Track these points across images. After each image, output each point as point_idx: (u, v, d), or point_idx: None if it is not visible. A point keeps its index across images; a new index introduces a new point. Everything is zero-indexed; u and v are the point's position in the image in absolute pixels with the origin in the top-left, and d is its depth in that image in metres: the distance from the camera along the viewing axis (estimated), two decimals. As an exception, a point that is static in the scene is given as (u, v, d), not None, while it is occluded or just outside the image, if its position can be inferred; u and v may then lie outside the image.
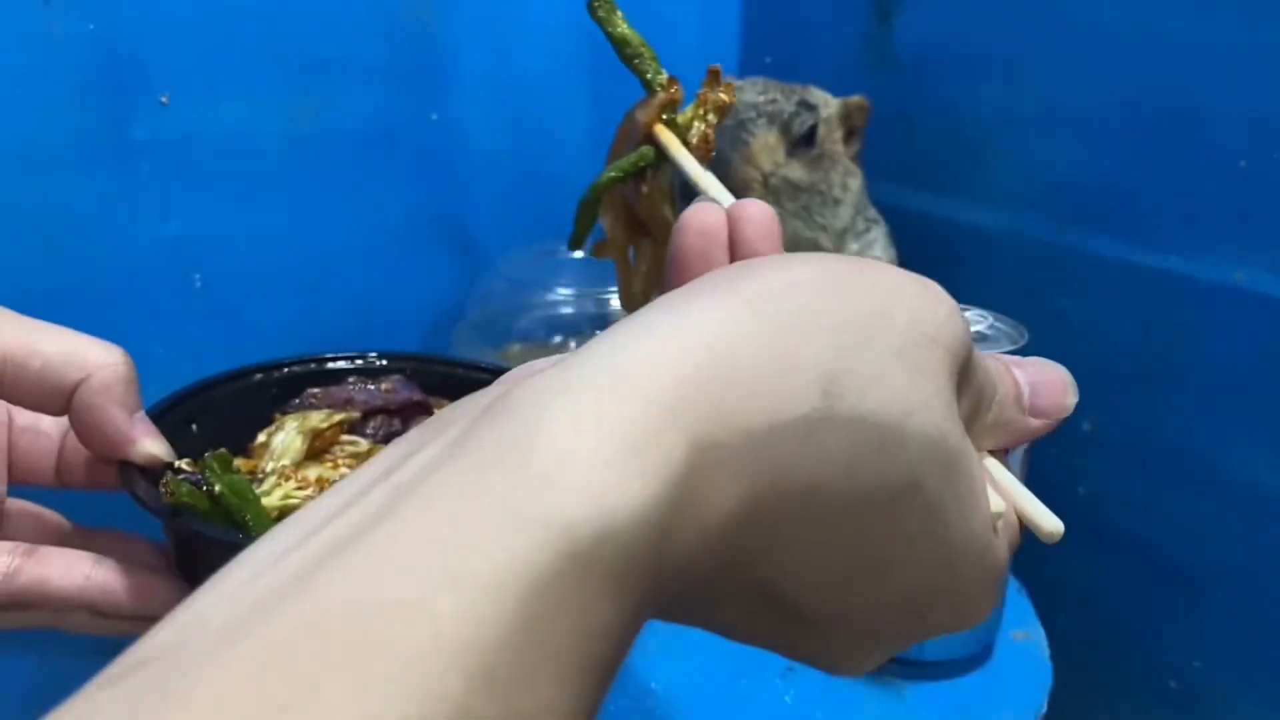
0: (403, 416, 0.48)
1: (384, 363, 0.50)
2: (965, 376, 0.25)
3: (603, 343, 0.21)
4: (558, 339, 0.66)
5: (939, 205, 0.75)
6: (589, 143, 0.79)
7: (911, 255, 0.73)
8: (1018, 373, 0.28)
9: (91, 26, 0.55)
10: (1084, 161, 0.66)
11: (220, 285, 0.63)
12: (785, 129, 0.65)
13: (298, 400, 0.47)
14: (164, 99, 0.58)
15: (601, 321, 0.66)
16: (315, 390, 0.48)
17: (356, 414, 0.47)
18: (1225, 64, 0.58)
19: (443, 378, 0.50)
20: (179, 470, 0.37)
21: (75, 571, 0.36)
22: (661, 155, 0.37)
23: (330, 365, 0.49)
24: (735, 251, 0.28)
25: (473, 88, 0.71)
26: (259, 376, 0.47)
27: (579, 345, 0.65)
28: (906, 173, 0.77)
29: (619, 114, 0.82)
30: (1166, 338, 0.63)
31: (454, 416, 0.21)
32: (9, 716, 0.63)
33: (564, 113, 0.77)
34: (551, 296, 0.65)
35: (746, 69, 0.86)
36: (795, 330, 0.21)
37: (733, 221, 0.28)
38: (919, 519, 0.22)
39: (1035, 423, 0.28)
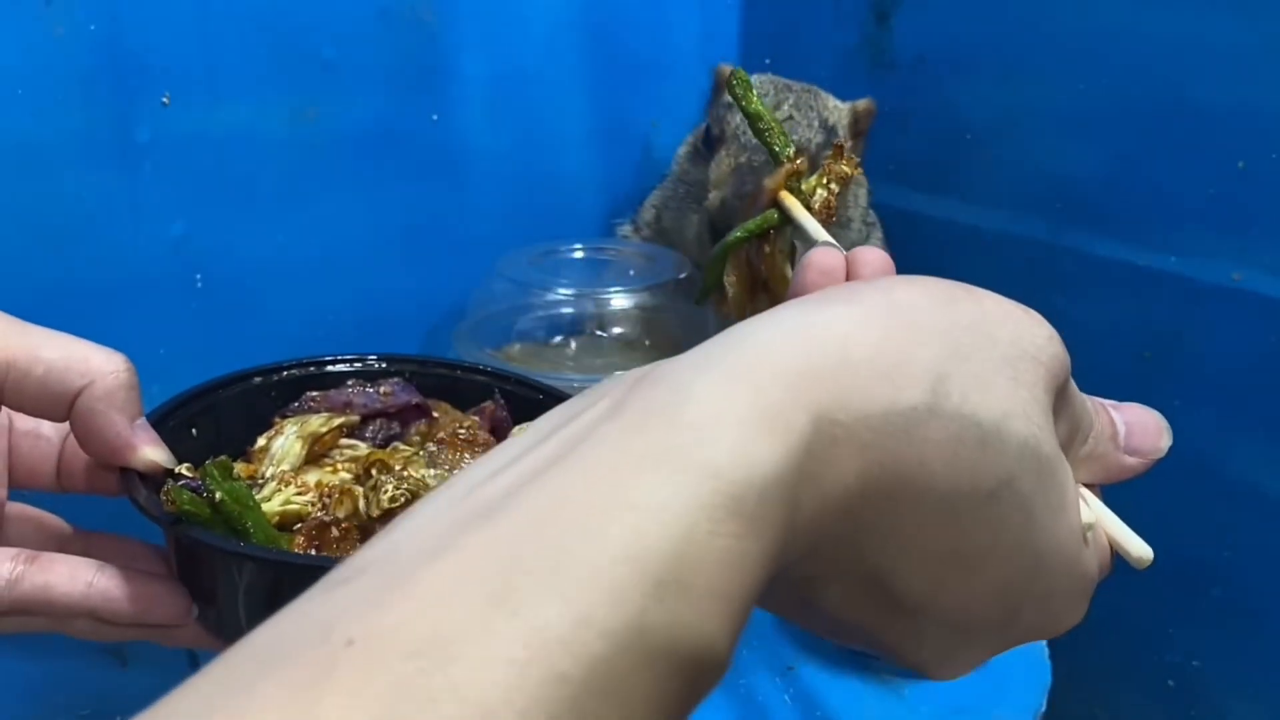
0: (402, 419, 0.48)
1: (383, 365, 0.50)
2: (1062, 399, 0.27)
3: (736, 332, 0.23)
4: (558, 339, 0.67)
5: (937, 205, 0.75)
6: (589, 143, 0.79)
7: (909, 255, 0.73)
8: (1114, 413, 0.30)
9: (93, 27, 0.55)
10: (1081, 162, 0.66)
11: (222, 285, 0.63)
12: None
13: (297, 404, 0.47)
14: (165, 99, 0.58)
15: (601, 321, 0.66)
16: (314, 394, 0.48)
17: (355, 417, 0.47)
18: (1222, 65, 0.58)
19: (441, 380, 0.50)
20: (179, 477, 0.37)
21: (78, 578, 0.36)
22: (786, 219, 0.40)
23: (329, 368, 0.49)
24: None
25: (473, 89, 0.72)
26: (258, 380, 0.47)
27: (579, 345, 0.65)
28: (904, 173, 0.77)
29: (619, 114, 0.82)
30: (1164, 338, 0.63)
31: (604, 390, 0.23)
32: (12, 716, 0.63)
33: (564, 113, 0.77)
34: (551, 296, 0.65)
35: (746, 69, 0.86)
36: (908, 333, 0.24)
37: (851, 265, 0.30)
38: (1012, 517, 0.24)
39: (1130, 460, 0.31)
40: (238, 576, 0.36)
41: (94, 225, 0.57)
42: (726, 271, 0.42)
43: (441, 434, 0.47)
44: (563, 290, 0.64)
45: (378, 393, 0.48)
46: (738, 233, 0.41)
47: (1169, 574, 0.65)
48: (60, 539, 0.41)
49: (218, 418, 0.45)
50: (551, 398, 0.50)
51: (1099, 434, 0.29)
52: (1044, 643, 0.56)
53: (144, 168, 0.58)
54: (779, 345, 0.22)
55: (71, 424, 0.36)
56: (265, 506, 0.40)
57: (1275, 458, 0.59)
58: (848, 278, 0.30)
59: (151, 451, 0.37)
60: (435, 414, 0.48)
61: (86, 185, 0.56)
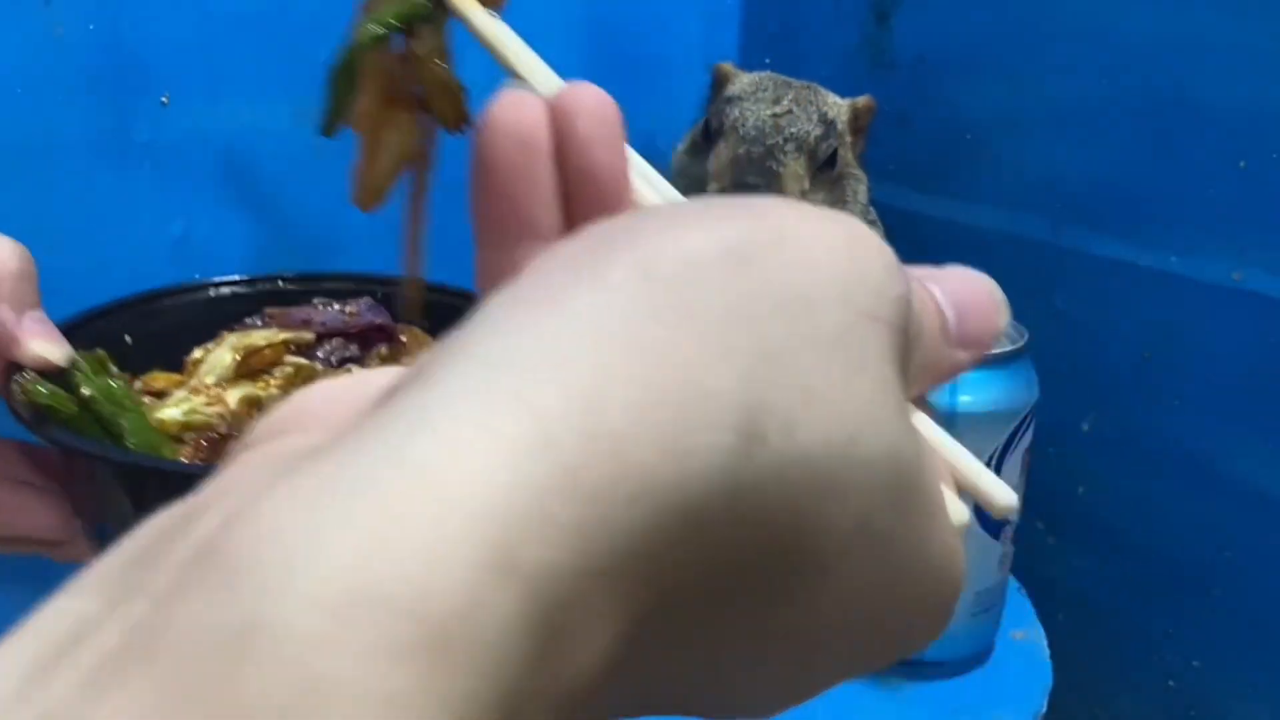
0: (361, 341, 0.44)
1: (356, 285, 0.46)
2: (899, 325, 0.18)
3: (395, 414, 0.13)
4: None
5: (937, 205, 0.75)
6: (589, 143, 0.79)
7: (909, 256, 0.73)
8: (937, 291, 0.22)
9: (92, 27, 0.55)
10: (1083, 161, 0.66)
11: (221, 285, 0.63)
12: (811, 155, 0.65)
13: (252, 318, 0.43)
14: (164, 99, 0.58)
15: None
16: (273, 310, 0.44)
17: (310, 335, 0.42)
18: (1224, 63, 0.58)
19: (429, 305, 0.45)
20: (52, 373, 0.33)
21: None
22: (440, 5, 0.29)
23: (294, 287, 0.45)
24: (566, 162, 0.22)
25: (473, 89, 0.71)
26: (213, 292, 0.43)
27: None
28: (905, 173, 0.77)
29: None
30: (1165, 338, 0.63)
31: (152, 552, 0.13)
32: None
33: (564, 113, 0.77)
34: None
35: (746, 69, 0.87)
36: (691, 345, 0.14)
37: (560, 117, 0.22)
38: (864, 565, 0.17)
39: (963, 355, 0.22)
40: (105, 483, 0.32)
41: (93, 225, 0.57)
42: (358, 85, 0.31)
43: (405, 359, 0.42)
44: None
45: (342, 311, 0.43)
46: (372, 26, 0.31)
47: (1168, 573, 0.65)
48: None
49: (158, 326, 0.41)
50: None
51: (929, 334, 0.20)
52: (1044, 643, 0.56)
53: (143, 167, 0.58)
54: (459, 458, 0.12)
55: None
56: (164, 413, 0.36)
57: (1275, 458, 0.58)
58: (557, 143, 0.22)
59: (39, 345, 0.33)
60: (404, 338, 0.44)
61: (86, 185, 0.56)
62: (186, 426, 0.36)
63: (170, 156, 0.59)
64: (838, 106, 0.69)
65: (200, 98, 0.60)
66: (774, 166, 0.63)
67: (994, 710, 0.51)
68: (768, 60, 0.74)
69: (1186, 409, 0.62)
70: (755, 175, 0.63)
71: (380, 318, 0.45)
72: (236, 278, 0.44)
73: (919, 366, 0.20)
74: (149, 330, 0.41)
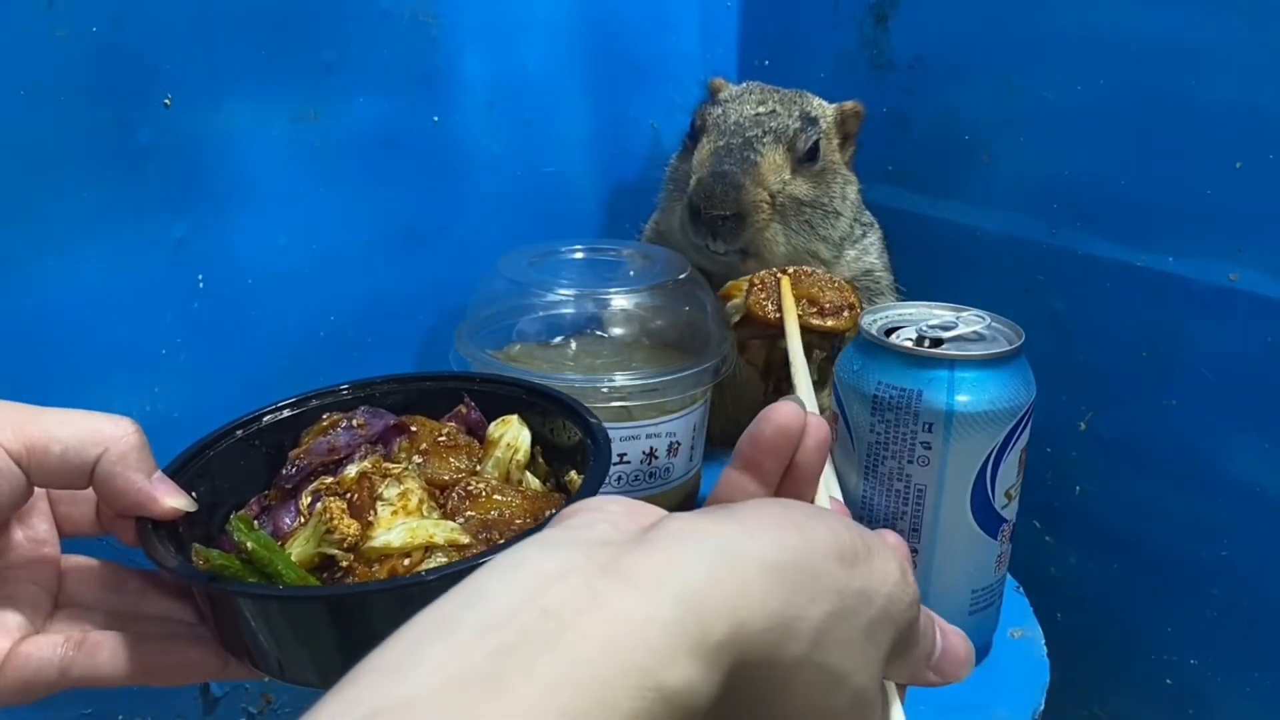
0: (384, 442, 0.49)
1: (351, 394, 0.52)
2: (902, 638, 0.31)
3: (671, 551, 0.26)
4: (558, 339, 0.67)
5: (935, 207, 0.75)
6: (589, 145, 0.79)
7: (908, 257, 0.74)
8: (939, 635, 0.34)
9: (95, 29, 0.55)
10: (1079, 163, 0.66)
11: (223, 286, 0.63)
12: (790, 145, 0.66)
13: (294, 471, 0.48)
14: (166, 101, 0.58)
15: (601, 321, 0.66)
16: (299, 451, 0.49)
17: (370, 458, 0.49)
18: (1220, 66, 0.58)
19: (410, 395, 0.52)
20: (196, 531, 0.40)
21: (121, 658, 0.41)
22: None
23: (302, 409, 0.51)
24: (794, 457, 0.35)
25: (474, 90, 0.72)
26: (240, 433, 0.49)
27: (579, 345, 0.66)
28: (903, 174, 0.77)
29: (619, 116, 0.82)
30: (1161, 338, 0.63)
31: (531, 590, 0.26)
32: (12, 715, 0.63)
33: (564, 115, 0.77)
34: (551, 296, 0.65)
35: (745, 72, 0.87)
36: (810, 590, 0.27)
37: (806, 425, 0.35)
38: None
39: (932, 677, 0.34)
40: (272, 617, 0.38)
41: (96, 226, 0.57)
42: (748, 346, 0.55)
43: (424, 444, 0.49)
44: (563, 290, 0.64)
45: (353, 426, 0.49)
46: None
47: (1165, 572, 0.65)
48: (115, 582, 0.44)
49: (212, 477, 0.47)
50: (515, 387, 0.52)
51: (920, 655, 0.33)
52: (1042, 641, 0.57)
53: (146, 169, 0.58)
54: (710, 579, 0.25)
55: (95, 489, 0.40)
56: (295, 551, 0.42)
57: (1273, 457, 0.59)
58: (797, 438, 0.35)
59: (172, 500, 0.41)
60: (413, 428, 0.49)
61: (88, 186, 0.56)
62: (320, 557, 0.42)
63: (172, 158, 0.59)
64: (822, 108, 0.70)
65: (202, 99, 0.60)
66: (752, 156, 0.64)
67: (992, 708, 0.51)
68: (766, 61, 0.75)
69: (1183, 409, 0.63)
70: (733, 163, 0.63)
71: (387, 419, 0.50)
72: (240, 419, 0.50)
73: (907, 667, 0.33)
74: (206, 481, 0.46)
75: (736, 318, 0.62)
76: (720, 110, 0.67)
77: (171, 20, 0.58)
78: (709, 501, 0.36)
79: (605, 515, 0.30)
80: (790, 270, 0.62)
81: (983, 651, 0.55)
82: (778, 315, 0.59)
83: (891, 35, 0.76)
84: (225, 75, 0.60)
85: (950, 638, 0.34)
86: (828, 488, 0.40)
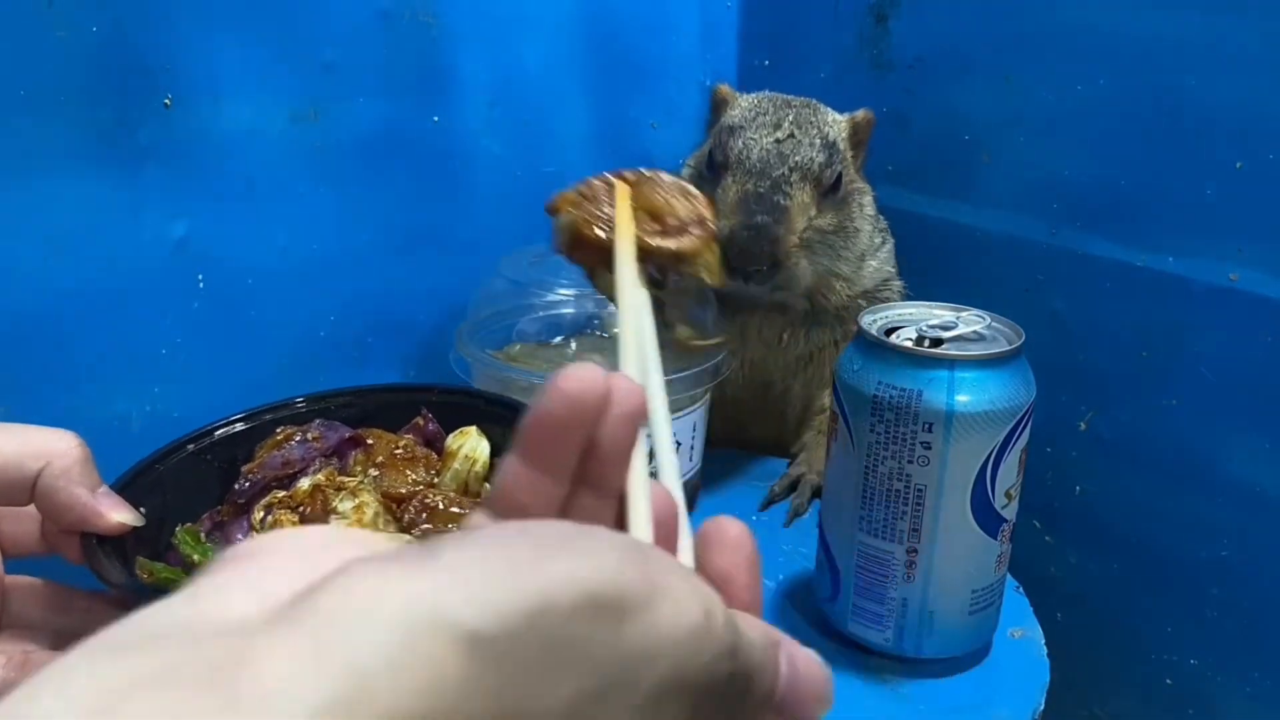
0: (339, 455, 0.49)
1: (306, 406, 0.52)
2: (717, 693, 0.22)
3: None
4: (558, 339, 0.67)
5: (936, 207, 0.75)
6: (589, 144, 0.79)
7: (909, 257, 0.74)
8: (784, 665, 0.25)
9: (95, 29, 0.55)
10: (1080, 163, 0.66)
11: (223, 286, 0.63)
12: (817, 182, 0.64)
13: (248, 485, 0.47)
14: (166, 101, 0.58)
15: (601, 321, 0.66)
16: (252, 466, 0.48)
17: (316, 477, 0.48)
18: (1220, 66, 0.58)
19: (367, 408, 0.52)
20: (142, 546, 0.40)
21: None
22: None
23: (250, 424, 0.50)
24: (596, 435, 0.27)
25: (474, 90, 0.72)
26: (191, 447, 0.48)
27: (579, 346, 0.66)
28: (903, 175, 0.77)
29: (619, 115, 0.82)
30: (1161, 338, 0.63)
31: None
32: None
33: (564, 114, 0.77)
34: (551, 296, 0.65)
35: (744, 72, 0.87)
36: (539, 670, 0.19)
37: (607, 398, 0.26)
38: None
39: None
40: None
41: (96, 227, 0.57)
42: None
43: (380, 457, 0.48)
44: (563, 290, 0.65)
45: (308, 440, 0.49)
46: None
47: (1165, 572, 0.65)
48: (61, 601, 0.43)
49: (163, 491, 0.46)
50: (474, 398, 0.51)
51: (755, 700, 0.24)
52: (1042, 641, 0.57)
53: (146, 169, 0.58)
54: (379, 669, 0.17)
55: (37, 505, 0.39)
56: None
57: (1272, 457, 0.59)
58: (597, 413, 0.26)
59: (118, 515, 0.40)
60: (369, 440, 0.49)
61: (88, 187, 0.56)
62: None
63: (172, 158, 0.59)
64: (838, 124, 0.68)
65: (202, 99, 0.60)
66: (781, 200, 0.62)
67: (992, 708, 0.51)
68: (766, 61, 0.75)
69: (1183, 409, 0.63)
70: (764, 212, 0.62)
71: (342, 432, 0.50)
72: (192, 433, 0.49)
73: (753, 711, 0.24)
74: (157, 496, 0.46)
75: (564, 239, 0.49)
76: (740, 144, 0.65)
77: (171, 20, 0.58)
78: (488, 498, 0.27)
79: (262, 570, 0.21)
80: (630, 175, 0.48)
81: (983, 651, 0.55)
82: (607, 235, 0.45)
83: (891, 35, 0.76)
84: (225, 75, 0.60)
85: (801, 666, 0.26)
86: (647, 475, 0.29)
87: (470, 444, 0.49)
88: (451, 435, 0.50)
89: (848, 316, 0.69)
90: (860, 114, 0.70)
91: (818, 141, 0.65)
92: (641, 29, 0.80)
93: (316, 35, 0.64)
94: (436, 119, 0.70)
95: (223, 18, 0.60)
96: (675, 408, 0.61)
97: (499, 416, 0.50)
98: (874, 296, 0.69)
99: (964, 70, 0.72)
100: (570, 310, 0.66)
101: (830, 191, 0.65)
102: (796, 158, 0.64)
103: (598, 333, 0.66)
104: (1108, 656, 0.69)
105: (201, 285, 0.62)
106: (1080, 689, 0.71)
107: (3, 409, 0.57)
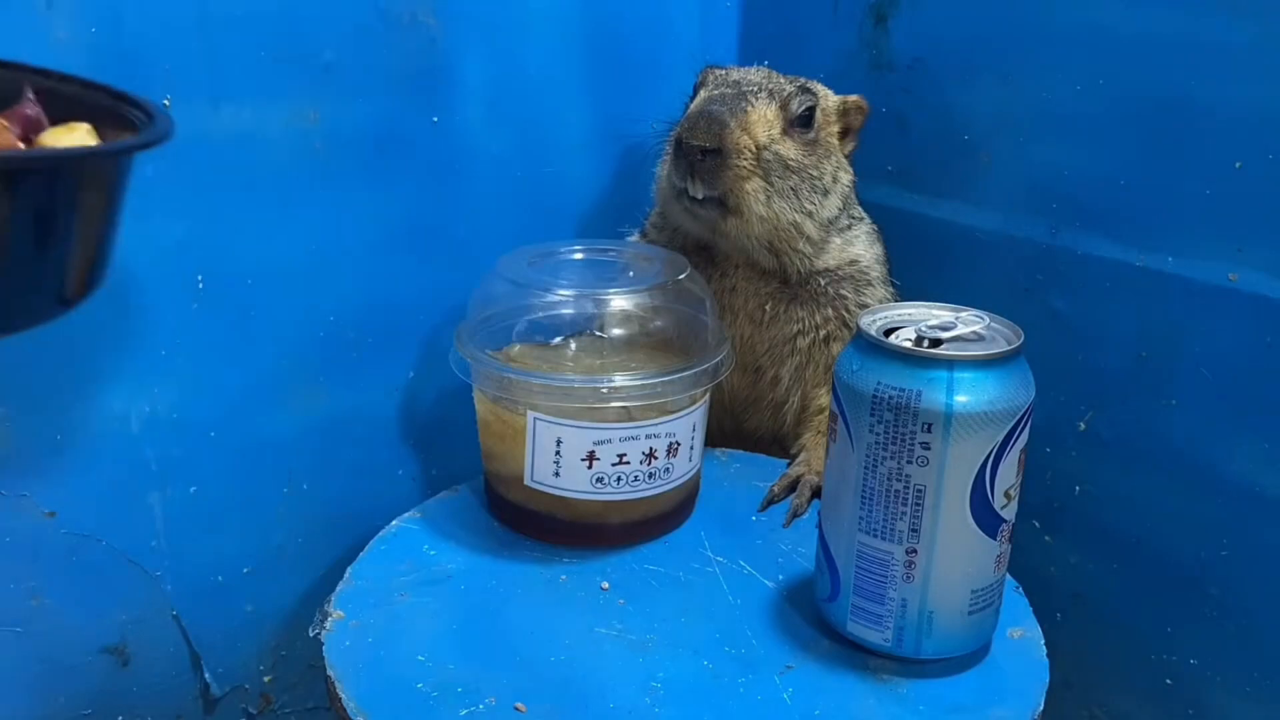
0: None
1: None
2: None
3: None
4: (558, 339, 0.67)
5: (935, 207, 0.75)
6: (589, 144, 0.79)
7: (908, 257, 0.74)
8: None
9: (94, 29, 0.55)
10: (1079, 163, 0.66)
11: (223, 286, 0.63)
12: (784, 106, 0.66)
13: None
14: (166, 101, 0.58)
15: (601, 321, 0.67)
16: None
17: None
18: (1220, 65, 0.58)
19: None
20: None
21: None
22: None
23: None
24: None
25: (474, 91, 0.72)
26: None
27: (579, 346, 0.66)
28: (903, 174, 0.77)
29: (619, 115, 0.82)
30: (1161, 338, 0.63)
31: None
32: (12, 716, 0.63)
33: (564, 114, 0.77)
34: (551, 297, 0.65)
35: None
36: None
37: None
38: None
39: None
40: None
41: (96, 226, 0.57)
42: None
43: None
44: (563, 290, 0.65)
45: None
46: None
47: (1165, 572, 0.65)
48: None
49: None
50: (101, 92, 0.43)
51: None
52: (1042, 641, 0.57)
53: (145, 169, 0.58)
54: None
55: None
56: None
57: (1272, 457, 0.59)
58: None
59: None
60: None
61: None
62: None
63: (171, 158, 0.59)
64: (828, 96, 0.70)
65: (201, 100, 0.60)
66: (744, 105, 0.64)
67: (992, 708, 0.51)
68: (766, 61, 0.75)
69: (1183, 409, 0.63)
70: (722, 105, 0.63)
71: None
72: None
73: None
74: None
75: None
76: (723, 70, 0.68)
77: (171, 21, 0.58)
78: None
79: None
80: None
81: (982, 652, 0.55)
82: None
83: (891, 35, 0.76)
84: (225, 75, 0.60)
85: None
86: None
87: (76, 144, 0.41)
88: (53, 129, 0.42)
89: (823, 300, 0.70)
90: (853, 98, 0.71)
91: (794, 81, 0.68)
92: (641, 29, 0.80)
93: (316, 35, 0.64)
94: (436, 119, 0.70)
95: (222, 18, 0.60)
96: (675, 408, 0.62)
97: (130, 119, 0.42)
98: (842, 278, 0.70)
99: (963, 70, 0.72)
100: (570, 311, 0.66)
101: (799, 125, 0.66)
102: (769, 85, 0.66)
103: (597, 333, 0.66)
104: (1108, 656, 0.69)
105: (201, 285, 0.63)
106: (1080, 689, 0.71)
107: (3, 409, 0.57)
